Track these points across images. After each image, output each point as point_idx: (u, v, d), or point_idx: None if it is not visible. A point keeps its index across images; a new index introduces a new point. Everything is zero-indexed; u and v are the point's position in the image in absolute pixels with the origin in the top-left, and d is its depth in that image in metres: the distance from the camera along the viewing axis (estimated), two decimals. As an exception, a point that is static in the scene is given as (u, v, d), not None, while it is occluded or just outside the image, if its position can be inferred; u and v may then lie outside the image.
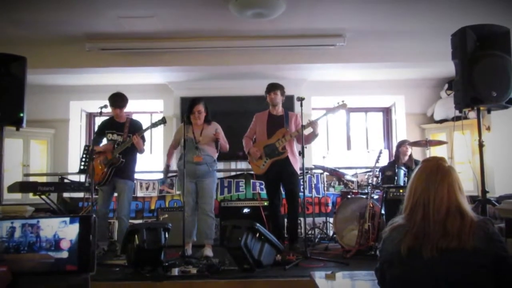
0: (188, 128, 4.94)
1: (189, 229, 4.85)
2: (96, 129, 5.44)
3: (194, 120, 5.01)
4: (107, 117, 5.36)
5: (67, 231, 2.23)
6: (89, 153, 5.07)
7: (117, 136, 5.20)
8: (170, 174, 6.25)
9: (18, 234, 2.24)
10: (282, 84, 5.35)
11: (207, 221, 5.00)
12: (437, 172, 1.83)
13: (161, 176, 6.96)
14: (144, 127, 5.23)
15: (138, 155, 5.33)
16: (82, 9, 5.25)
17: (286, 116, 5.25)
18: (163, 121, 5.01)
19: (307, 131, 5.04)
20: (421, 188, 1.84)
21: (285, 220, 5.53)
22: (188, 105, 5.16)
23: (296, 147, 5.18)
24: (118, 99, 5.22)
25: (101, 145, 5.31)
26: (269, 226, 5.39)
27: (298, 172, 5.15)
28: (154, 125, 5.06)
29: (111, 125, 5.26)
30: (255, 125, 5.38)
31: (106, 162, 5.06)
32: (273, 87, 5.27)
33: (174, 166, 5.92)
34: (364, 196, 5.20)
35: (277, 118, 5.26)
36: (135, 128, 5.22)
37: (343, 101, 5.03)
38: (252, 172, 6.71)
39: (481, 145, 3.97)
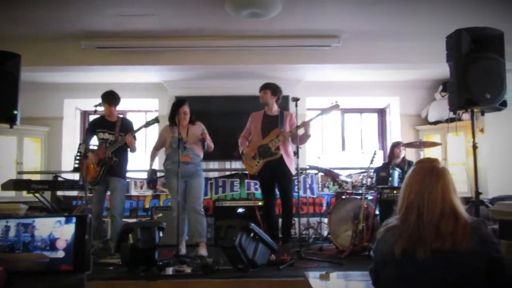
0: (174, 129, 4.93)
1: (181, 229, 4.83)
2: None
3: (179, 121, 4.99)
4: (97, 116, 5.32)
5: (62, 231, 2.23)
6: (83, 152, 5.05)
7: (109, 135, 5.17)
8: (159, 175, 6.23)
9: (12, 234, 2.23)
10: (277, 84, 5.32)
11: (198, 219, 5.01)
12: (432, 174, 1.84)
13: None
14: (136, 126, 5.22)
15: (130, 154, 5.32)
16: (79, 7, 5.24)
17: (281, 116, 5.22)
18: (156, 120, 5.00)
19: (300, 132, 5.05)
20: (415, 189, 1.84)
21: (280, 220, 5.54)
22: (172, 106, 5.15)
23: (292, 147, 5.18)
24: (112, 97, 5.21)
25: (90, 146, 5.28)
26: (264, 226, 5.39)
27: (293, 172, 5.15)
28: (147, 124, 5.05)
29: (102, 124, 5.23)
30: (251, 125, 5.37)
31: (99, 161, 5.04)
32: (263, 86, 5.27)
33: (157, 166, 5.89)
34: (359, 197, 5.21)
35: (272, 118, 5.23)
36: (127, 127, 5.21)
37: (336, 102, 5.02)
38: (247, 172, 6.72)
39: (474, 147, 3.99)
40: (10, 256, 2.21)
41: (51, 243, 2.21)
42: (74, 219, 2.26)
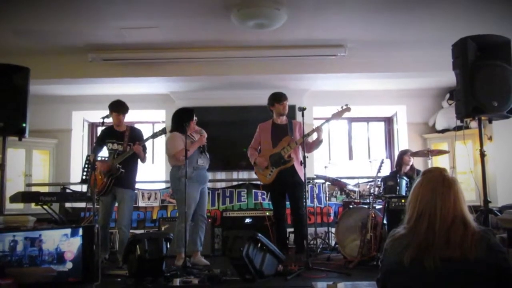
0: (184, 136, 4.91)
1: (182, 239, 4.81)
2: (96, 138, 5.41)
3: (191, 128, 5.02)
4: (106, 127, 5.32)
5: (69, 243, 2.23)
6: (91, 163, 5.06)
7: (117, 146, 5.15)
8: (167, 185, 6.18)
9: (20, 248, 2.24)
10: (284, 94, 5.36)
11: (204, 229, 5.11)
12: (443, 183, 1.84)
13: (163, 186, 6.95)
14: (145, 136, 5.24)
15: (139, 164, 5.31)
16: (85, 20, 5.29)
17: (290, 124, 5.25)
18: (163, 131, 5.00)
19: (311, 138, 5.04)
20: (426, 198, 1.83)
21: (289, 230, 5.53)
22: (184, 114, 5.10)
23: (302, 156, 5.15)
24: (120, 106, 5.21)
25: (100, 154, 5.29)
26: (274, 236, 5.37)
27: (304, 180, 5.10)
28: (154, 135, 5.04)
29: (111, 135, 5.21)
30: (259, 136, 5.37)
31: (106, 172, 5.04)
32: (285, 96, 5.27)
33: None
34: (366, 206, 5.18)
35: (281, 127, 5.26)
36: (136, 137, 5.21)
37: (346, 105, 5.00)
38: (254, 182, 6.74)
39: (482, 155, 3.97)
40: (18, 270, 2.22)
41: (58, 257, 2.22)
42: (80, 231, 2.26)
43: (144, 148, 5.19)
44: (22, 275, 2.20)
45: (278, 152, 5.12)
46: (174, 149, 4.95)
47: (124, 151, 5.08)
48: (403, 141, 7.93)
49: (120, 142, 5.15)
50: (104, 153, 5.30)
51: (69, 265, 2.22)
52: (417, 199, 1.87)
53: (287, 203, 5.34)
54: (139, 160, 5.24)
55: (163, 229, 6.04)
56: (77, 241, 2.24)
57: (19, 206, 6.43)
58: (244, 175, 7.29)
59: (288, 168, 5.08)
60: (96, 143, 5.33)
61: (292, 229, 5.50)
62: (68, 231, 2.28)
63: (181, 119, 5.04)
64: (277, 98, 5.27)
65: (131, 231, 5.26)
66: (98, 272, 2.25)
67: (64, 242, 2.24)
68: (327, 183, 6.48)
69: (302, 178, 5.04)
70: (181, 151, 4.83)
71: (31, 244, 2.23)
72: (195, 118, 5.08)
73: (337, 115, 5.04)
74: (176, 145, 4.96)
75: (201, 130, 5.14)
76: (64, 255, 2.22)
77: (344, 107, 5.00)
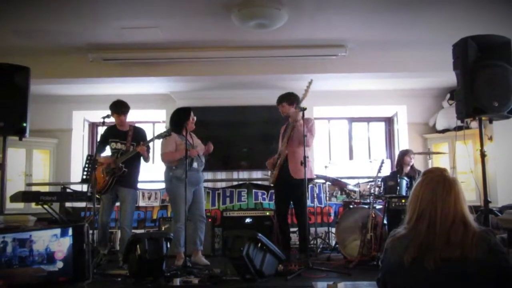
0: (182, 137, 4.91)
1: (179, 239, 4.82)
2: (99, 138, 5.40)
3: (189, 127, 5.01)
4: (109, 126, 5.32)
5: (59, 243, 2.23)
6: (92, 162, 5.05)
7: (121, 145, 5.16)
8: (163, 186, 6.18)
9: (9, 249, 2.24)
10: (290, 91, 5.31)
11: (203, 228, 5.10)
12: (444, 183, 1.84)
13: (163, 186, 6.93)
14: (148, 135, 5.23)
15: (142, 164, 5.31)
16: (85, 19, 5.29)
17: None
18: (168, 133, 4.99)
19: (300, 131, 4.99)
20: (427, 198, 1.83)
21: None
22: (182, 114, 5.12)
23: (309, 154, 5.06)
24: (120, 106, 5.20)
25: (103, 154, 5.29)
26: (277, 235, 5.33)
27: (304, 179, 5.07)
28: (159, 136, 5.04)
29: (114, 134, 5.21)
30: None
31: (108, 170, 5.04)
32: (278, 101, 5.24)
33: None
34: (366, 206, 5.19)
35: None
36: (139, 137, 5.20)
37: (311, 79, 4.93)
38: (254, 182, 6.76)
39: (483, 155, 3.97)
40: (8, 271, 2.22)
41: (48, 257, 2.23)
42: (70, 230, 2.27)
43: (148, 148, 5.21)
44: (12, 276, 2.20)
45: (280, 150, 5.13)
46: (162, 150, 5.10)
47: (127, 150, 5.08)
48: (404, 141, 7.93)
49: (123, 141, 5.16)
50: (107, 153, 5.30)
51: (59, 265, 2.22)
52: (417, 199, 1.87)
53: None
54: (142, 160, 5.25)
55: (163, 229, 6.05)
56: (67, 241, 2.25)
57: (20, 205, 6.42)
58: (244, 175, 7.29)
59: (288, 167, 5.02)
60: (100, 142, 5.30)
61: (295, 229, 5.50)
62: (57, 231, 2.28)
63: (178, 120, 5.09)
64: (276, 103, 5.27)
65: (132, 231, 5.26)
66: (89, 270, 2.26)
67: (54, 242, 2.24)
68: (328, 183, 6.47)
69: (296, 175, 4.99)
70: (166, 154, 5.01)
71: (22, 245, 2.23)
72: (193, 117, 5.07)
73: (305, 94, 4.92)
74: (166, 146, 5.06)
75: (198, 146, 5.14)
76: (54, 255, 2.23)
77: (310, 80, 4.92)
